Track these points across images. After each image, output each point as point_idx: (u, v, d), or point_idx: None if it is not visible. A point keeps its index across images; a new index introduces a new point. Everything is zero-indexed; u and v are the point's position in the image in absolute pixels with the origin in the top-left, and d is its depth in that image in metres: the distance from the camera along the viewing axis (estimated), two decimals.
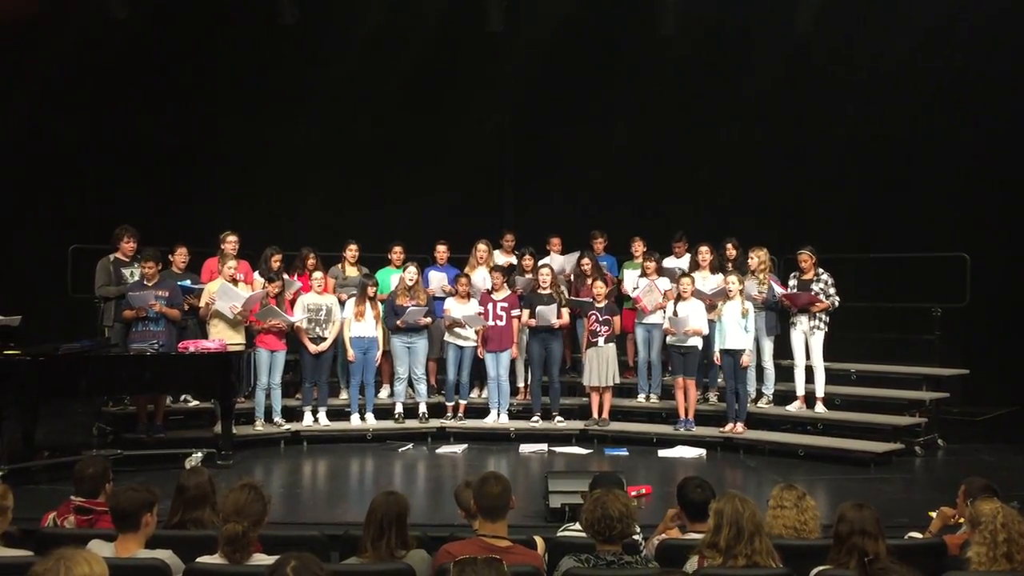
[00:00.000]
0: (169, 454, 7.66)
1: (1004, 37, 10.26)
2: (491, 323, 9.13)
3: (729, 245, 9.40)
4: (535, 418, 9.28)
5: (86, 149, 11.08)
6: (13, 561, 3.55)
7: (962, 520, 4.70)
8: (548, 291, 9.13)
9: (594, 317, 9.01)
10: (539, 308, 9.02)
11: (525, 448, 8.73)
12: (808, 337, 8.78)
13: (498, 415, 9.26)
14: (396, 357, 9.18)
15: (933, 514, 5.02)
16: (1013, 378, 10.19)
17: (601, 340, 8.96)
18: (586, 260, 9.62)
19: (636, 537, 4.31)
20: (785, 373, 9.14)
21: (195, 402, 9.13)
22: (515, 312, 9.19)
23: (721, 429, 8.77)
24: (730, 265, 9.25)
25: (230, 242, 8.84)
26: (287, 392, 9.24)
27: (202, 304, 8.51)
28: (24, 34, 10.31)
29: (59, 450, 7.69)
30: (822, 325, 8.73)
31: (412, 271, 9.08)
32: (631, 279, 9.61)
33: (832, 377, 9.08)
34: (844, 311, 9.02)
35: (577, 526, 4.32)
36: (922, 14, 10.30)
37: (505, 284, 9.26)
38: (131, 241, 8.62)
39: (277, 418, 8.87)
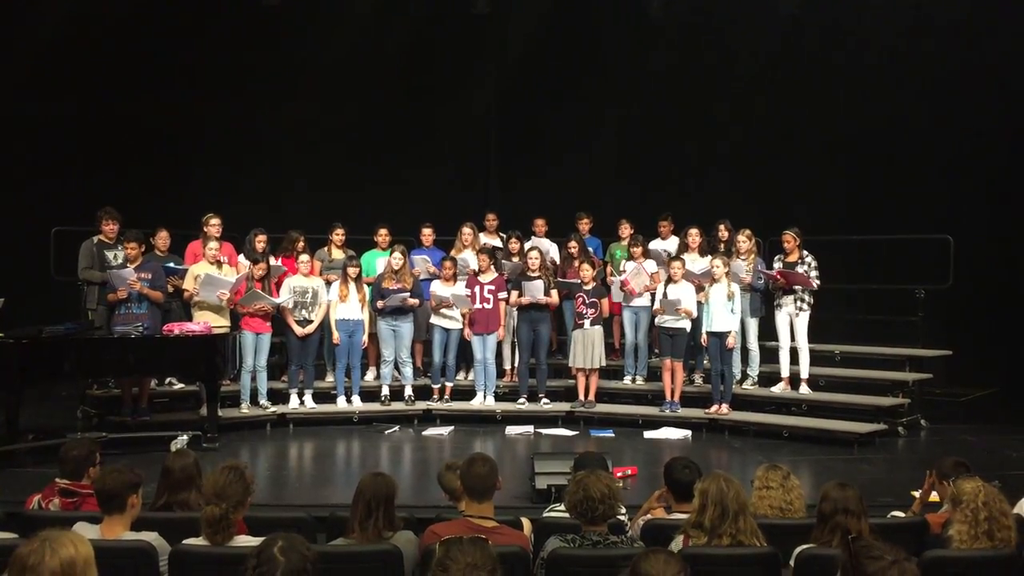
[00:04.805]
0: (154, 437, 7.63)
1: (990, 22, 10.29)
2: (478, 306, 9.13)
3: (721, 227, 9.42)
4: (521, 400, 9.30)
5: (68, 130, 10.95)
6: None
7: (934, 499, 4.76)
8: (537, 273, 9.13)
9: (581, 299, 9.02)
10: (525, 284, 9.03)
11: (511, 430, 8.75)
12: (793, 318, 8.83)
13: (484, 397, 9.28)
14: (382, 340, 9.17)
15: (915, 493, 5.07)
16: (996, 359, 10.30)
17: (587, 322, 8.98)
18: (573, 243, 9.62)
19: (621, 517, 4.35)
20: (770, 354, 9.20)
21: (180, 385, 9.10)
22: (502, 295, 9.19)
23: (706, 410, 8.82)
24: (721, 247, 9.26)
25: (213, 225, 8.79)
26: (273, 375, 9.23)
27: (186, 287, 8.46)
28: (5, 14, 10.19)
29: (43, 433, 7.64)
30: (807, 307, 8.78)
31: (398, 255, 9.06)
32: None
33: (816, 358, 9.14)
34: (829, 293, 9.08)
35: (563, 507, 4.34)
36: None
37: (492, 266, 9.26)
38: (112, 223, 8.54)
39: (263, 401, 8.86)
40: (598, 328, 9.06)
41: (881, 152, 11.38)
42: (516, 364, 9.62)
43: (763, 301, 9.07)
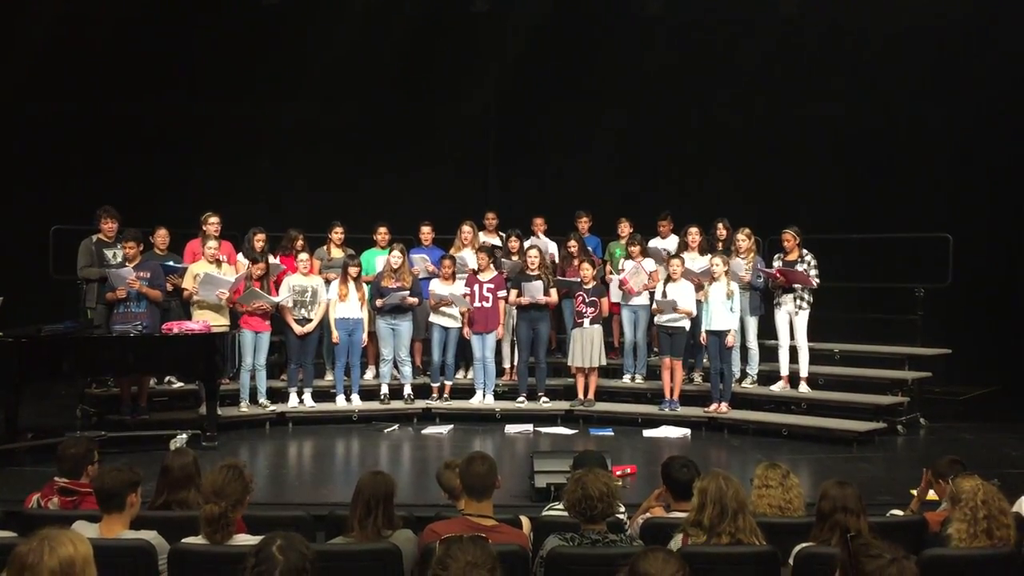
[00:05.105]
0: (153, 436, 7.61)
1: (990, 21, 10.29)
2: (477, 304, 9.13)
3: (720, 226, 9.42)
4: (521, 399, 9.30)
5: (68, 130, 10.96)
6: None
7: (933, 497, 4.76)
8: (536, 272, 9.13)
9: (581, 298, 9.02)
10: (525, 283, 9.04)
11: (511, 428, 8.75)
12: (792, 317, 8.82)
13: (484, 396, 9.28)
14: (381, 339, 9.17)
15: (914, 492, 5.08)
16: (995, 358, 10.30)
17: (587, 321, 8.98)
18: (572, 242, 9.61)
19: (620, 516, 4.35)
20: (769, 353, 9.20)
21: (179, 384, 9.10)
22: (501, 293, 9.19)
23: (706, 409, 8.82)
24: (720, 246, 9.26)
25: (212, 223, 8.78)
26: (272, 373, 9.24)
27: (186, 286, 8.45)
28: (4, 15, 10.18)
29: (42, 432, 7.64)
30: (806, 305, 8.77)
31: (397, 253, 9.06)
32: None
33: (816, 357, 9.13)
34: (828, 291, 9.07)
35: (562, 505, 4.34)
36: None
37: (491, 265, 9.25)
38: (110, 222, 8.54)
39: (262, 399, 8.85)
40: (597, 327, 9.05)
41: (881, 152, 11.38)
42: (515, 363, 9.62)
43: (762, 300, 9.07)
